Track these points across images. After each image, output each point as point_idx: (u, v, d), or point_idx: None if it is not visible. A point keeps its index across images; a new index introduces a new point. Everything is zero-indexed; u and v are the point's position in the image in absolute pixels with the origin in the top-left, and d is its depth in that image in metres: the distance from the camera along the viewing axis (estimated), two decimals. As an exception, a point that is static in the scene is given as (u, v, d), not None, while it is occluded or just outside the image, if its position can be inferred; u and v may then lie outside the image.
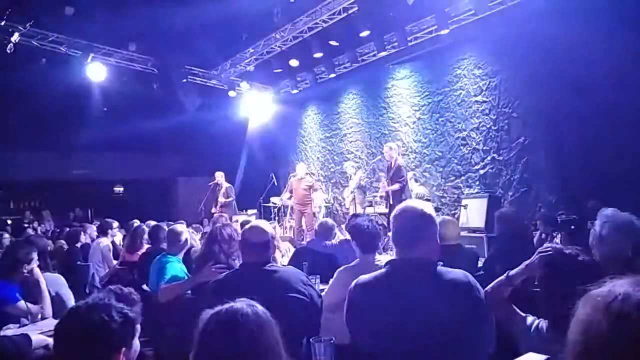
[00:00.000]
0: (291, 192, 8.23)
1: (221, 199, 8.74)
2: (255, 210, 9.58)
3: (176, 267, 3.14)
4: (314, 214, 8.46)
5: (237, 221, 7.69)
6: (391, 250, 2.51)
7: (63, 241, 5.44)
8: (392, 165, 6.55)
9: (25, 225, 7.67)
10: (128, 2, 7.32)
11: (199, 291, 2.66)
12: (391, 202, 6.47)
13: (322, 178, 10.50)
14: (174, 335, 2.46)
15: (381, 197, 6.86)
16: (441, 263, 1.80)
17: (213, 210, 8.81)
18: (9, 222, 8.26)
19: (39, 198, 10.27)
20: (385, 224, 6.36)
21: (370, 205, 8.11)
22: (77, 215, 9.58)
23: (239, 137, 11.23)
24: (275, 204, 9.39)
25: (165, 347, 2.67)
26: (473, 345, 1.62)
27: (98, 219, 8.53)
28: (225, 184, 8.84)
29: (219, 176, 8.85)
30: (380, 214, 7.36)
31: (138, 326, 1.40)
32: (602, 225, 2.12)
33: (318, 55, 8.59)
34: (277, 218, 9.25)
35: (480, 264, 3.62)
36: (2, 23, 7.01)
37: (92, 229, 5.84)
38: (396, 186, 6.36)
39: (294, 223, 8.93)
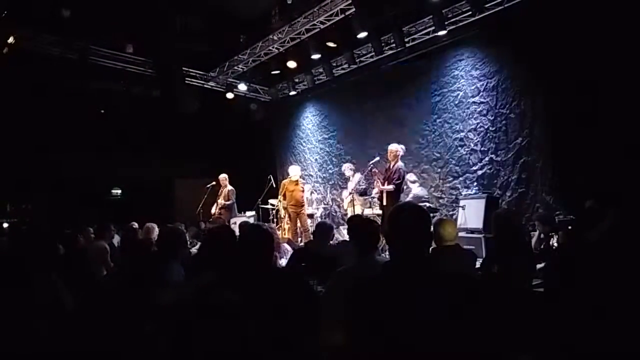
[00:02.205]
0: (284, 194, 8.21)
1: (221, 201, 8.74)
2: (253, 212, 9.57)
3: None
4: (309, 215, 8.47)
5: (235, 223, 7.70)
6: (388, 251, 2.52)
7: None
8: (392, 167, 6.54)
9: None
10: (126, 4, 7.32)
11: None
12: (384, 203, 6.45)
13: (320, 179, 10.50)
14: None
15: (378, 198, 6.85)
16: (439, 263, 1.81)
17: (213, 211, 8.80)
18: (5, 225, 8.22)
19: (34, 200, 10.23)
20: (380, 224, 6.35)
21: (369, 207, 8.10)
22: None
23: (236, 139, 11.22)
24: (274, 205, 9.37)
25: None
26: (474, 345, 1.62)
27: (95, 221, 8.50)
28: (229, 187, 8.83)
29: (223, 178, 8.84)
30: (378, 215, 7.35)
31: None
32: None
33: (316, 56, 8.59)
34: (275, 220, 9.23)
35: (477, 264, 3.63)
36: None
37: (89, 232, 5.81)
38: (390, 187, 6.35)
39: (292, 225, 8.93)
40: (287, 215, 8.32)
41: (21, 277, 2.95)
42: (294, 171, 8.31)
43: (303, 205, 8.15)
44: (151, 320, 2.52)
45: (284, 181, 8.44)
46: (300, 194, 8.08)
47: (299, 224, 8.15)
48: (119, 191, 11.47)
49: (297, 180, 8.15)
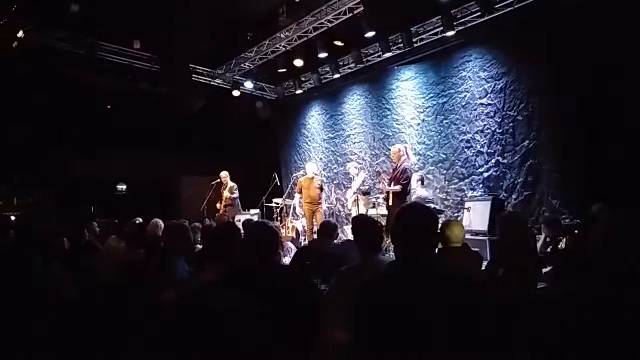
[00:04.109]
0: (300, 192, 8.14)
1: (227, 194, 8.74)
2: (257, 210, 9.58)
3: None
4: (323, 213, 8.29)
5: (239, 220, 7.69)
6: (392, 251, 2.51)
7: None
8: (398, 167, 6.52)
9: None
10: (134, 0, 7.34)
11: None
12: (390, 204, 6.43)
13: (325, 179, 10.48)
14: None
15: (384, 199, 6.83)
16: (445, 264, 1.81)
17: (218, 206, 8.81)
18: (13, 217, 8.29)
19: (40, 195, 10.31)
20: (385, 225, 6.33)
21: (373, 207, 8.08)
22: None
23: (242, 137, 11.23)
24: (278, 204, 9.37)
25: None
26: (477, 346, 1.61)
27: (101, 216, 8.55)
28: (230, 183, 8.83)
29: (224, 176, 8.85)
30: (382, 215, 7.34)
31: None
32: None
33: (323, 55, 8.57)
34: (279, 218, 9.23)
35: (483, 266, 3.60)
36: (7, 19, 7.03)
37: (94, 226, 5.83)
38: (397, 187, 6.33)
39: (296, 223, 8.91)
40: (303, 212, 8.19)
41: (25, 265, 2.96)
42: (309, 168, 8.23)
43: (319, 203, 8.00)
44: (152, 316, 2.52)
45: (300, 178, 8.34)
46: (315, 191, 7.94)
47: (315, 222, 7.99)
48: (124, 187, 11.51)
49: (312, 177, 8.04)
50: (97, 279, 4.58)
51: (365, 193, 8.21)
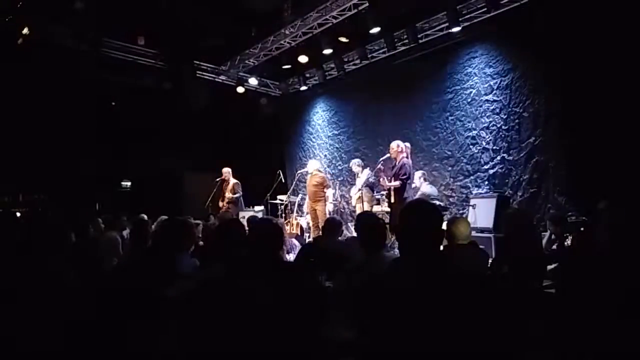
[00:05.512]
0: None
1: (228, 195, 8.74)
2: (262, 207, 9.58)
3: None
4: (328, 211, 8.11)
5: (243, 217, 7.70)
6: (397, 248, 2.51)
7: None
8: (397, 163, 6.51)
9: None
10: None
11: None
12: (392, 201, 6.42)
13: (329, 176, 10.46)
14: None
15: (386, 196, 6.81)
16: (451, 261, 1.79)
17: (220, 204, 8.82)
18: (19, 214, 8.34)
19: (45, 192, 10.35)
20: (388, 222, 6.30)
21: (377, 203, 8.06)
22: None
23: (246, 134, 11.22)
24: (282, 201, 9.37)
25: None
26: (483, 344, 1.60)
27: (104, 212, 8.57)
28: (233, 180, 8.84)
29: (226, 172, 8.86)
30: (386, 212, 7.32)
31: None
32: None
33: (327, 51, 8.54)
34: (283, 215, 9.24)
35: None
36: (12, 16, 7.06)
37: (99, 222, 5.85)
38: (397, 183, 6.31)
39: (301, 220, 8.90)
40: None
41: (29, 260, 2.98)
42: (309, 165, 8.16)
43: (317, 201, 7.74)
44: (157, 311, 2.53)
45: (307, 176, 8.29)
46: (311, 188, 7.80)
47: (318, 220, 7.67)
48: (129, 183, 11.54)
49: (311, 174, 7.92)
50: (102, 273, 4.60)
51: (371, 188, 8.18)
